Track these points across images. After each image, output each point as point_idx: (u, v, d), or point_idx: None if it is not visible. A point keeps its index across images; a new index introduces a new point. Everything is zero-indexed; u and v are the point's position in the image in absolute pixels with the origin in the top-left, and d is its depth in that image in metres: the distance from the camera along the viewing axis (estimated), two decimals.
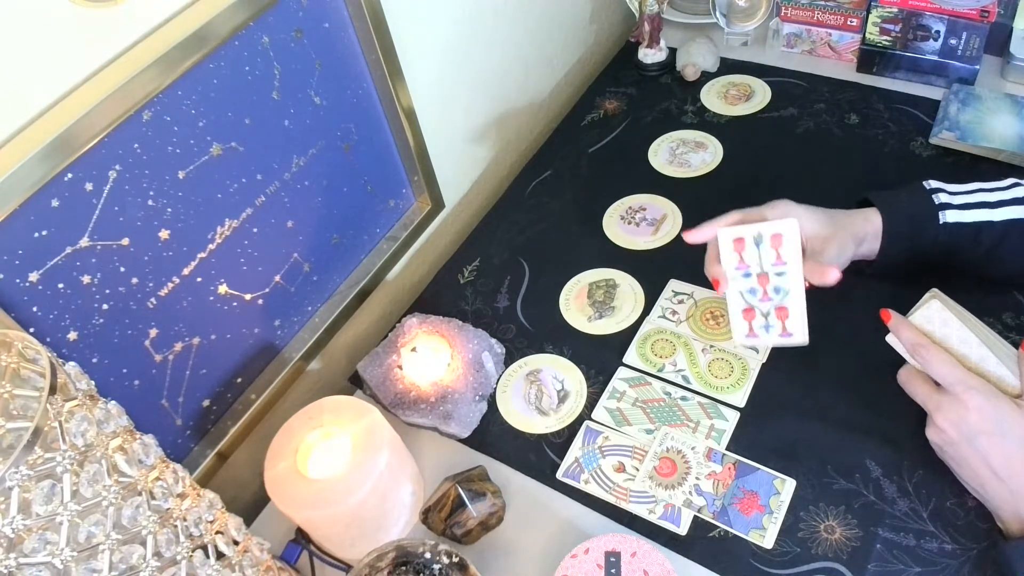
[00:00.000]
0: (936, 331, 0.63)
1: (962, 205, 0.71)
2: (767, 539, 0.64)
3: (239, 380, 0.75)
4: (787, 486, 0.67)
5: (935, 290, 0.65)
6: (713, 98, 1.06)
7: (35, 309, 0.55)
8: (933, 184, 0.73)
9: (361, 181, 0.82)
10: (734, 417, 0.73)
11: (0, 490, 0.40)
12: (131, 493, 0.47)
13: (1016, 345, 0.62)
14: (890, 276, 0.74)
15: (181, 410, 0.69)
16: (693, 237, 0.71)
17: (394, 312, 0.95)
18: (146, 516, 0.47)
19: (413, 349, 0.79)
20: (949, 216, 0.70)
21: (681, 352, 0.78)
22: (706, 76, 1.09)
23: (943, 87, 0.98)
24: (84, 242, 0.56)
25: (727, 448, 0.70)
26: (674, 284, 0.85)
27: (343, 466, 0.64)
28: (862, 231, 0.72)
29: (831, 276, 0.65)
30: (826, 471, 0.68)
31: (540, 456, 0.74)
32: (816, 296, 0.78)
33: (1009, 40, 0.96)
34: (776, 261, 0.66)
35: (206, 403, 0.72)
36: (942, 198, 0.71)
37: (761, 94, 1.04)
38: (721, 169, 0.96)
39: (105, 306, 0.59)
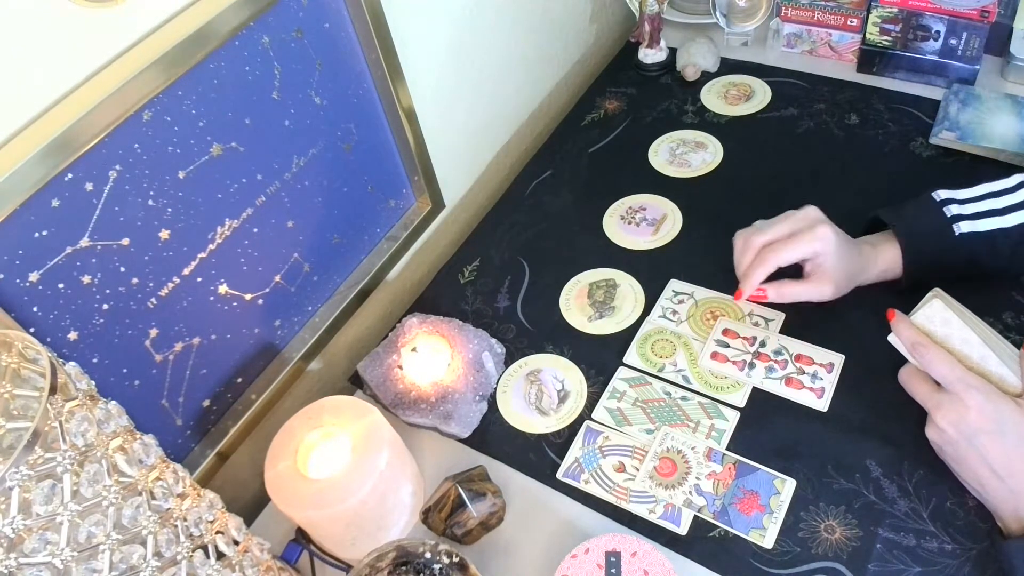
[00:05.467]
0: (937, 330, 0.63)
1: (973, 215, 0.71)
2: (767, 539, 0.64)
3: (239, 380, 0.75)
4: (787, 486, 0.67)
5: (937, 289, 0.64)
6: (713, 98, 1.06)
7: (35, 309, 0.55)
8: (942, 195, 0.73)
9: (361, 181, 0.82)
10: (734, 417, 0.72)
11: (0, 490, 0.40)
12: (131, 493, 0.47)
13: (1017, 345, 0.62)
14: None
15: (181, 410, 0.69)
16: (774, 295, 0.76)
17: (394, 312, 0.95)
18: (146, 516, 0.47)
19: (413, 349, 0.79)
20: (963, 227, 0.71)
21: (681, 352, 0.78)
22: (706, 76, 1.09)
23: (943, 87, 0.98)
24: (84, 242, 0.56)
25: (727, 448, 0.70)
26: (674, 284, 0.85)
27: (343, 466, 0.64)
28: (872, 270, 0.74)
29: (739, 298, 0.75)
30: (826, 471, 0.68)
31: (540, 456, 0.74)
32: None
33: (1009, 40, 0.96)
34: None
35: (206, 403, 0.72)
36: (953, 210, 0.72)
37: (761, 94, 1.04)
38: (721, 169, 0.96)
39: (105, 306, 0.59)
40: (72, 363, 0.47)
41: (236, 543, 0.56)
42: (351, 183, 0.80)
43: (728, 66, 1.10)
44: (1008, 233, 0.70)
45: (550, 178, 1.01)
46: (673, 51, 1.12)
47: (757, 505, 0.66)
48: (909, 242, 0.73)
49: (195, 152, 0.62)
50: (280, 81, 0.67)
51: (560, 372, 0.79)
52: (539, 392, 0.78)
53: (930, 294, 0.64)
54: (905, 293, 0.71)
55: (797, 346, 0.76)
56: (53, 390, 0.42)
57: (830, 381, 0.73)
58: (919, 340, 0.62)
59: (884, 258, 0.74)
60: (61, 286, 0.56)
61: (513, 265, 0.91)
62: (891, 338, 0.65)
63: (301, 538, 0.70)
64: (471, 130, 0.99)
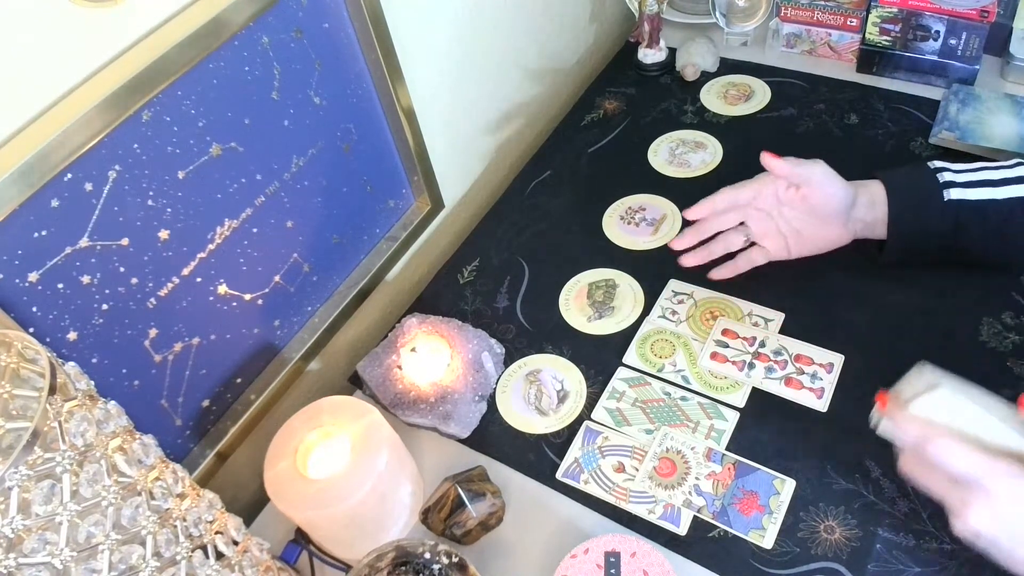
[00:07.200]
0: (943, 418, 0.55)
1: (966, 183, 0.71)
2: (767, 539, 0.64)
3: (239, 380, 0.75)
4: (787, 486, 0.67)
5: (925, 362, 0.58)
6: (713, 98, 1.06)
7: (35, 309, 0.55)
8: (937, 164, 0.74)
9: (361, 181, 0.82)
10: (734, 417, 0.72)
11: (0, 490, 0.40)
12: (131, 493, 0.47)
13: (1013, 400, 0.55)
14: (905, 264, 0.74)
15: (181, 410, 0.69)
16: (693, 214, 0.79)
17: (394, 312, 0.95)
18: (146, 516, 0.47)
19: (413, 349, 0.79)
20: (954, 193, 0.71)
21: (681, 352, 0.78)
22: (706, 76, 1.09)
23: (943, 87, 0.98)
24: (84, 242, 0.56)
25: (727, 448, 0.70)
26: (674, 284, 0.85)
27: (343, 466, 0.64)
28: (859, 204, 0.74)
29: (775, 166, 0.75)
30: (826, 471, 0.68)
31: (540, 456, 0.74)
32: (814, 297, 0.79)
33: (1009, 40, 0.96)
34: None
35: (206, 403, 0.72)
36: (946, 176, 0.72)
37: (761, 94, 1.04)
38: (721, 169, 0.96)
39: (105, 306, 0.59)
40: (71, 363, 0.47)
41: (235, 543, 0.56)
42: (350, 183, 0.80)
43: (728, 66, 1.10)
44: (999, 206, 0.69)
45: (550, 178, 1.01)
46: (673, 51, 1.12)
47: (756, 505, 0.66)
48: (897, 200, 0.72)
49: (194, 152, 0.62)
50: (279, 81, 0.67)
51: (559, 372, 0.79)
52: (538, 392, 0.78)
53: (928, 375, 0.56)
54: (901, 296, 0.71)
55: (797, 346, 0.76)
56: (52, 390, 0.42)
57: (830, 381, 0.73)
58: (930, 436, 0.53)
59: (872, 200, 0.74)
60: (60, 286, 0.56)
61: (512, 265, 0.91)
62: (881, 429, 0.58)
63: (300, 538, 0.70)
64: (471, 130, 0.99)
